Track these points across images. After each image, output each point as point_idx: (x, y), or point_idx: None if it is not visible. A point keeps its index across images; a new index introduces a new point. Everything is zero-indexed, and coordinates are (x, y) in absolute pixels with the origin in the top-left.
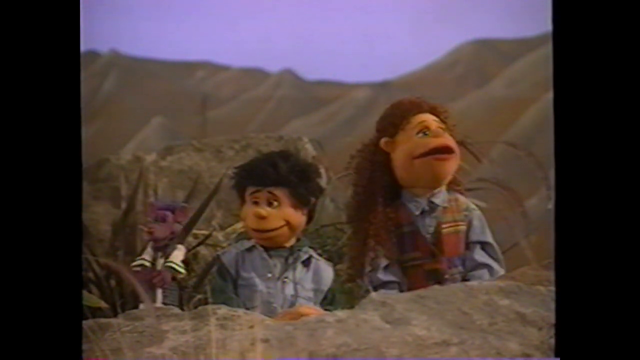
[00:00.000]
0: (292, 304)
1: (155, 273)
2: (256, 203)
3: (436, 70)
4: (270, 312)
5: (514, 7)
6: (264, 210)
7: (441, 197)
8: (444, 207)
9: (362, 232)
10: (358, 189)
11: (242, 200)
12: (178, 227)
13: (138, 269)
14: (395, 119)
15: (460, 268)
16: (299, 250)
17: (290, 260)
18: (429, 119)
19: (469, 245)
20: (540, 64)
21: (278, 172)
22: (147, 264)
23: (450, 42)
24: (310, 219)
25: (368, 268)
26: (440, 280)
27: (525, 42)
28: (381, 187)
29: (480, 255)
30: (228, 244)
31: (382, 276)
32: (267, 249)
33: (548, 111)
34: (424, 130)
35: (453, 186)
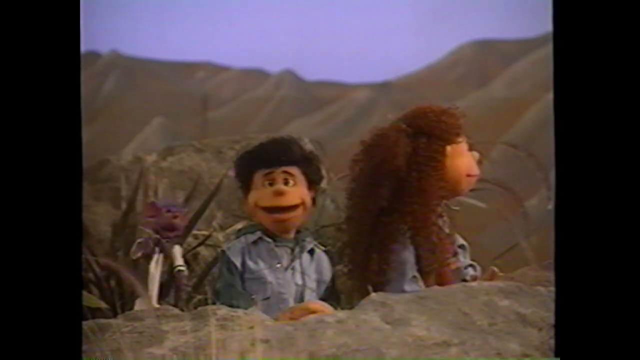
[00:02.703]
0: (301, 294)
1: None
2: (272, 184)
3: (437, 71)
4: (281, 302)
5: (515, 7)
6: (284, 186)
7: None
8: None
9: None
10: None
11: (247, 188)
12: (179, 224)
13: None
14: (456, 130)
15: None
16: (304, 240)
17: (297, 250)
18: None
19: None
20: (541, 65)
21: (292, 152)
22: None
23: (451, 42)
24: (312, 204)
25: (396, 274)
26: (462, 279)
27: (525, 42)
28: (437, 186)
29: (463, 257)
30: (229, 240)
31: (409, 287)
32: (273, 240)
33: (548, 112)
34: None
35: None
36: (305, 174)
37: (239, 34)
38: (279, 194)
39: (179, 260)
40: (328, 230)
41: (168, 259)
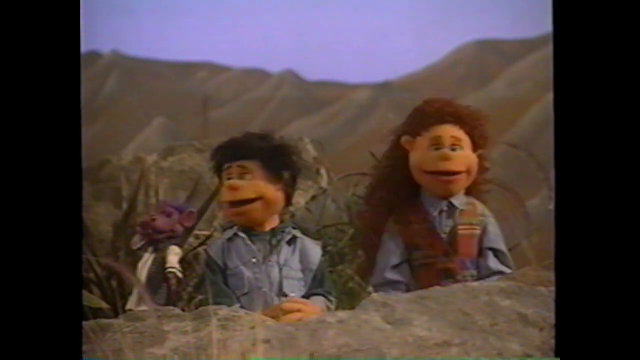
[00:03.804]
0: (280, 287)
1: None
2: (230, 178)
3: (437, 71)
4: (260, 297)
5: (515, 7)
6: (236, 181)
7: (459, 199)
8: (462, 210)
9: (377, 226)
10: (377, 180)
11: (221, 182)
12: (179, 229)
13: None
14: (419, 121)
15: (472, 271)
16: (282, 231)
17: (274, 242)
18: (446, 134)
19: (482, 250)
20: (541, 65)
21: (250, 146)
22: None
23: (452, 42)
24: (288, 198)
25: (381, 262)
26: (452, 280)
27: (526, 42)
28: (399, 181)
29: (494, 263)
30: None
31: (390, 275)
32: (249, 235)
33: (549, 112)
34: (437, 145)
35: (472, 190)
36: (265, 167)
37: (240, 34)
38: (232, 188)
39: (170, 262)
40: (329, 230)
41: (159, 259)
